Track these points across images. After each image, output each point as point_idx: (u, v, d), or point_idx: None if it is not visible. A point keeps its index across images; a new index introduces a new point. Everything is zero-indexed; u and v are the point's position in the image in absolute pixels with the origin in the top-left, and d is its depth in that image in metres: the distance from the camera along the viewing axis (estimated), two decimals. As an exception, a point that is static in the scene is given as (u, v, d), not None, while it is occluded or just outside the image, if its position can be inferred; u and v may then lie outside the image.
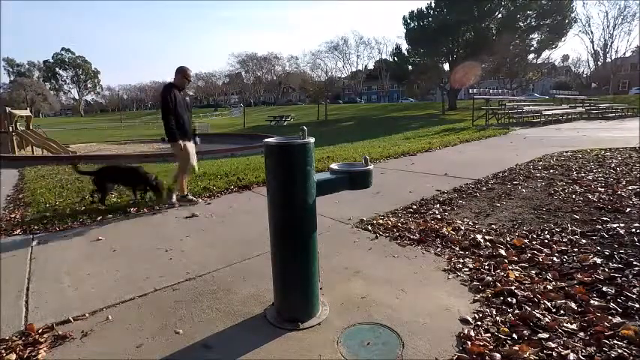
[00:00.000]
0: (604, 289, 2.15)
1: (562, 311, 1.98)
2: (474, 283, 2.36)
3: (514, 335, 1.81)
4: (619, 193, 4.04)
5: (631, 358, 1.60)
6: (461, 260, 2.68)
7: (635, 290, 2.10)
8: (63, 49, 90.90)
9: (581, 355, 1.64)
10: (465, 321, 1.96)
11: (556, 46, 33.68)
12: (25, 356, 1.83)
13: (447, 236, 3.12)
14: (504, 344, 1.75)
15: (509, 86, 40.37)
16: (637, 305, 1.96)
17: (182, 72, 4.43)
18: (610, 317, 1.88)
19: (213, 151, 14.73)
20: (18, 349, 1.88)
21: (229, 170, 6.50)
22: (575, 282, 2.26)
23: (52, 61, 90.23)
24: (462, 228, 3.29)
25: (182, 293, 2.41)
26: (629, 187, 4.25)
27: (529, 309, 1.99)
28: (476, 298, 2.18)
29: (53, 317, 2.17)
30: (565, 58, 68.24)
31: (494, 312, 2.02)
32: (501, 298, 2.15)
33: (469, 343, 1.76)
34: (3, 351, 1.86)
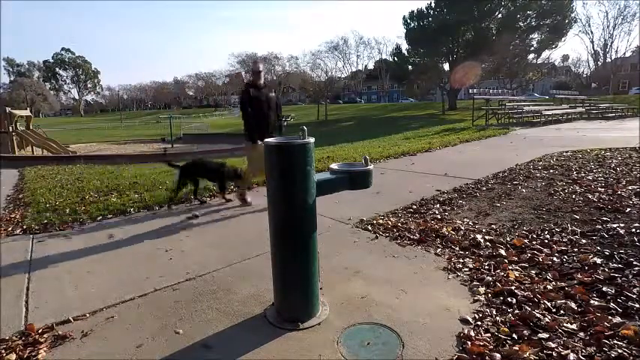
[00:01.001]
0: (604, 289, 2.15)
1: (562, 311, 1.98)
2: (474, 283, 2.36)
3: (514, 335, 1.81)
4: (619, 193, 4.04)
5: (631, 358, 1.60)
6: (461, 260, 2.68)
7: (635, 290, 2.10)
8: (63, 49, 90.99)
9: (581, 355, 1.64)
10: (465, 321, 1.96)
11: (556, 46, 33.74)
12: (25, 356, 1.83)
13: (447, 236, 3.12)
14: (504, 344, 1.75)
15: (509, 86, 40.36)
16: (637, 305, 1.96)
17: (251, 66, 4.28)
18: (610, 317, 1.88)
19: (213, 151, 14.75)
20: (18, 349, 1.87)
21: (229, 170, 6.49)
22: (575, 282, 2.26)
23: (52, 61, 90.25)
24: (462, 228, 3.29)
25: (182, 293, 2.41)
26: (629, 187, 4.25)
27: (529, 309, 1.99)
28: (476, 298, 2.18)
29: (53, 317, 2.17)
30: (565, 58, 68.22)
31: (494, 312, 2.02)
32: (501, 298, 2.15)
33: (469, 343, 1.76)
34: (3, 351, 1.86)
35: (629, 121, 15.77)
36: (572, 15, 32.31)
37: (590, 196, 3.99)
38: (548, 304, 2.04)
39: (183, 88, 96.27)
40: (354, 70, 75.75)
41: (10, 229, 3.83)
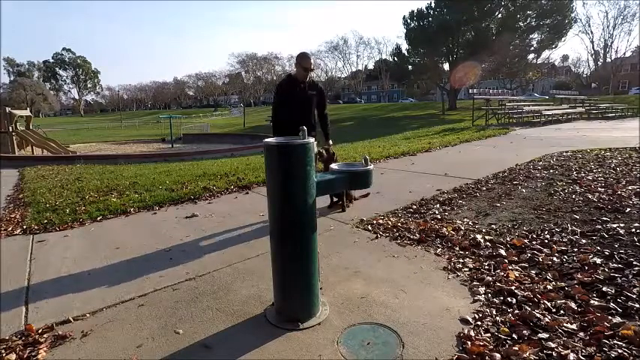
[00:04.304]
0: (604, 289, 2.15)
1: (562, 311, 1.98)
2: (474, 283, 2.36)
3: (514, 335, 1.81)
4: (619, 193, 4.04)
5: (631, 358, 1.60)
6: (461, 260, 2.68)
7: (635, 290, 2.10)
8: (63, 49, 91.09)
9: (581, 355, 1.64)
10: (465, 321, 1.96)
11: (556, 46, 33.75)
12: (25, 356, 1.83)
13: (447, 236, 3.12)
14: (504, 344, 1.75)
15: (509, 86, 40.40)
16: (637, 305, 1.96)
17: (297, 59, 3.63)
18: (610, 317, 1.88)
19: (213, 151, 14.76)
20: (18, 349, 1.87)
21: (229, 170, 6.50)
22: (575, 282, 2.26)
23: (52, 61, 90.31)
24: (462, 228, 3.29)
25: (182, 293, 2.41)
26: (629, 187, 4.24)
27: (529, 309, 1.99)
28: (476, 298, 2.18)
29: (53, 317, 2.17)
30: (565, 58, 68.37)
31: (494, 312, 2.02)
32: (501, 298, 2.15)
33: (469, 343, 1.76)
34: (3, 351, 1.86)
35: (629, 121, 15.77)
36: (572, 15, 32.35)
37: (590, 196, 3.99)
38: (548, 304, 2.04)
39: (183, 88, 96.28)
40: (354, 70, 75.92)
41: (10, 229, 3.83)
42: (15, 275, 2.76)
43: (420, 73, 35.69)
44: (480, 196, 4.35)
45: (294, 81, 3.71)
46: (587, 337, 1.75)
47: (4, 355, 1.83)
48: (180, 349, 1.85)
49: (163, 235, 3.51)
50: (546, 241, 2.92)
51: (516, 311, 2.00)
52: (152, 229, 3.72)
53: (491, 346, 1.74)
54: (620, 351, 1.63)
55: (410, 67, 36.20)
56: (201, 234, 3.52)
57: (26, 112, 18.78)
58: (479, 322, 1.93)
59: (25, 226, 3.86)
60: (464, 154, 7.82)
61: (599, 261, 2.49)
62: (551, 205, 3.80)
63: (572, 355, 1.63)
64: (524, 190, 4.44)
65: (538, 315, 1.92)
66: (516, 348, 1.69)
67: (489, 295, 2.20)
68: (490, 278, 2.36)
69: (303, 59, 3.60)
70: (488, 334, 1.83)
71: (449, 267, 2.60)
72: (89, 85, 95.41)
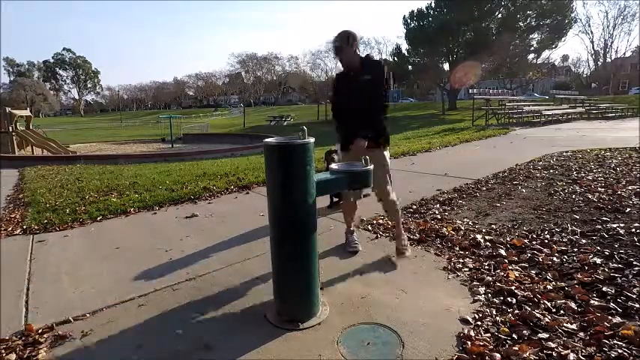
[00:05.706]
0: (604, 289, 2.15)
1: (562, 311, 1.98)
2: (474, 283, 2.36)
3: (514, 335, 1.81)
4: (619, 193, 4.04)
5: (631, 358, 1.60)
6: (461, 260, 2.68)
7: (635, 290, 2.10)
8: (64, 49, 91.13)
9: (581, 355, 1.64)
10: (465, 321, 1.96)
11: (556, 46, 33.73)
12: (25, 356, 1.83)
13: (447, 236, 3.12)
14: (504, 344, 1.75)
15: (509, 86, 40.36)
16: (637, 305, 1.96)
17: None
18: (610, 317, 1.88)
19: (213, 151, 14.76)
20: (18, 349, 1.87)
21: (229, 170, 6.50)
22: (575, 282, 2.26)
23: (52, 61, 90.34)
24: (462, 228, 3.29)
25: (182, 293, 2.41)
26: (629, 187, 4.24)
27: (529, 309, 1.99)
28: (476, 298, 2.18)
29: (53, 317, 2.17)
30: (565, 58, 68.23)
31: (494, 312, 2.02)
32: (501, 298, 2.15)
33: (469, 343, 1.76)
34: (3, 351, 1.86)
35: (629, 121, 15.77)
36: (572, 15, 32.35)
37: (590, 196, 3.99)
38: (548, 304, 2.04)
39: (183, 88, 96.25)
40: (354, 70, 75.67)
41: (10, 229, 3.83)
42: (15, 275, 2.76)
43: (420, 73, 35.68)
44: (480, 196, 4.35)
45: (344, 71, 2.92)
46: (587, 337, 1.75)
47: (4, 355, 1.83)
48: (181, 349, 1.85)
49: (163, 235, 3.51)
50: (546, 241, 2.92)
51: (516, 311, 2.00)
52: (152, 229, 3.72)
53: (492, 346, 1.74)
54: (620, 351, 1.63)
55: (410, 67, 36.19)
56: (202, 234, 3.52)
57: (26, 112, 18.76)
58: (479, 322, 1.93)
59: (25, 226, 3.86)
60: (464, 154, 7.82)
61: (599, 261, 2.49)
62: (551, 205, 3.80)
63: (572, 355, 1.63)
64: (524, 190, 4.44)
65: (538, 315, 1.92)
66: (516, 348, 1.69)
67: (489, 295, 2.20)
68: (490, 278, 2.36)
69: (338, 38, 2.76)
70: (489, 334, 1.83)
71: (449, 267, 2.60)
72: (89, 85, 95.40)
